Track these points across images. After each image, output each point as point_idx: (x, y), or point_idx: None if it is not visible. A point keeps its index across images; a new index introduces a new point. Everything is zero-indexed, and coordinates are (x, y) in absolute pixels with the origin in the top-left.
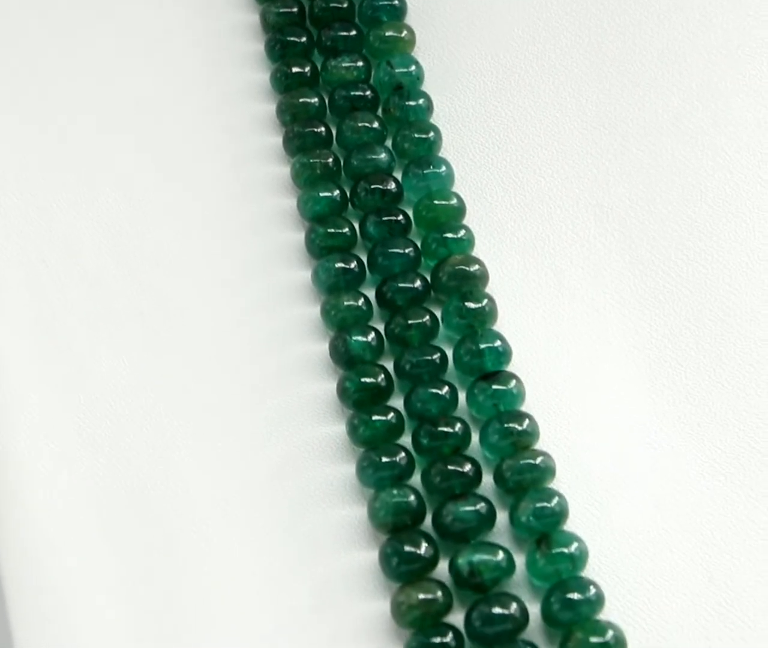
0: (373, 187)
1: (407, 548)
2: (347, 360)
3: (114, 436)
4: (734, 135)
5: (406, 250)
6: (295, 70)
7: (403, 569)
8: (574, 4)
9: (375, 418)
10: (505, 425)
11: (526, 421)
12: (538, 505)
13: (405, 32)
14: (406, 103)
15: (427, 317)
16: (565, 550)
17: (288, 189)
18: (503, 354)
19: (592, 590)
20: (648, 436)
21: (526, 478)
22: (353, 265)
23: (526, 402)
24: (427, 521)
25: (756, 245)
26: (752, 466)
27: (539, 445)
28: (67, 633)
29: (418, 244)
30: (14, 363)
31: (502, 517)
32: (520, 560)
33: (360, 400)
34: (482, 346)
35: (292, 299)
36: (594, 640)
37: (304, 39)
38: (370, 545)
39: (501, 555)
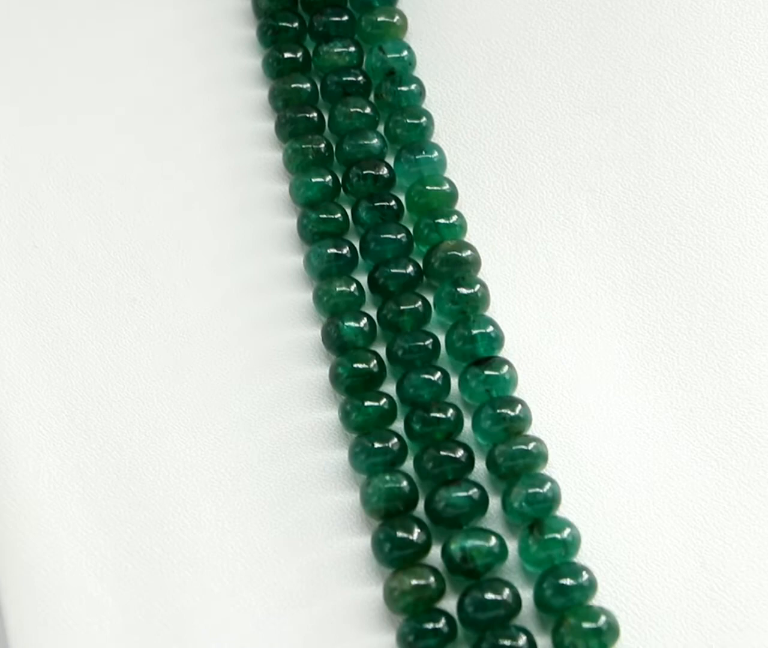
0: (365, 172)
1: (400, 534)
2: (339, 345)
3: (105, 420)
4: (727, 120)
5: (399, 236)
6: (287, 55)
7: (395, 555)
8: None
9: (367, 403)
10: (498, 411)
11: (519, 407)
12: (531, 490)
13: (397, 17)
14: (398, 88)
15: (420, 303)
16: (558, 536)
17: (280, 174)
18: (496, 339)
19: (585, 576)
20: (640, 421)
21: (518, 464)
22: (345, 250)
23: (518, 387)
24: (420, 507)
25: (748, 230)
26: (744, 451)
27: (532, 431)
28: (58, 615)
29: (411, 230)
30: (5, 347)
31: (494, 502)
32: (512, 546)
33: (352, 385)
34: (474, 331)
35: (284, 285)
36: (586, 625)
37: (296, 24)
38: (362, 531)
39: (493, 541)
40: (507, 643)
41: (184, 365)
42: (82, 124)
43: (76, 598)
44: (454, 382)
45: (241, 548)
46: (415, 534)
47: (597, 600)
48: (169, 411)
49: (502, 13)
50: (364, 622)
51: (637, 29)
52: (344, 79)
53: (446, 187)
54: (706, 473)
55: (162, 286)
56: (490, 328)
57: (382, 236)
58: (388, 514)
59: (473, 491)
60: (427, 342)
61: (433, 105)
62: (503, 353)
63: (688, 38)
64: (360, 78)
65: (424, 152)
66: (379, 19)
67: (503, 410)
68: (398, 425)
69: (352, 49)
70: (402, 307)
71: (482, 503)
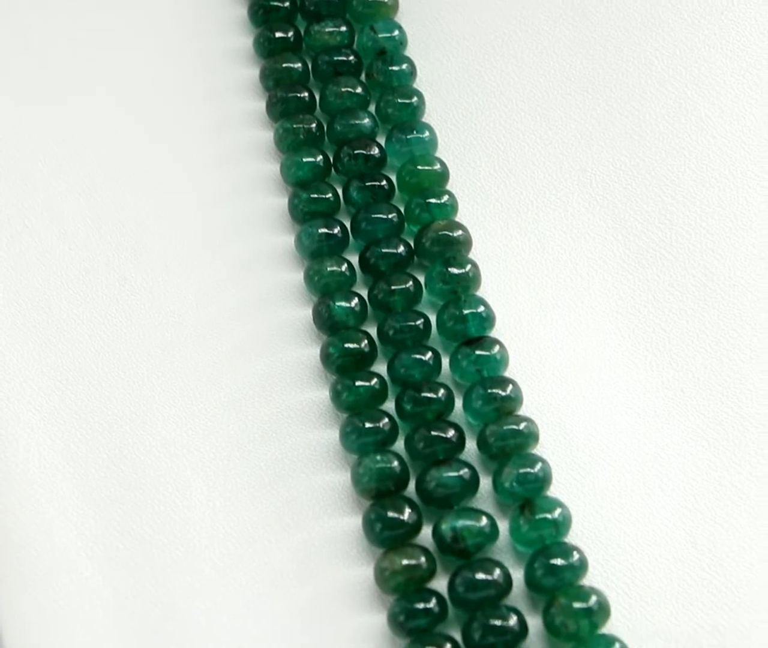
0: (356, 152)
1: (391, 514)
2: (330, 325)
3: (96, 400)
4: (718, 100)
5: (390, 216)
6: (278, 34)
7: (386, 535)
8: None
9: (358, 383)
10: (489, 391)
11: (510, 387)
12: (522, 470)
13: None
14: (390, 68)
15: (411, 283)
16: (549, 516)
17: (271, 154)
18: (486, 319)
19: (576, 556)
20: (631, 401)
21: (509, 444)
22: (336, 230)
23: (509, 367)
24: (411, 487)
25: (739, 210)
26: (735, 431)
27: (523, 411)
28: (49, 594)
29: (402, 210)
30: None
31: (485, 482)
32: (503, 526)
33: (343, 365)
34: (465, 311)
35: (275, 264)
36: (577, 605)
37: (287, 3)
38: (353, 511)
39: (484, 521)
40: (498, 623)
41: (175, 344)
42: (73, 105)
43: (67, 578)
44: (445, 362)
45: (232, 528)
46: (406, 514)
47: (588, 580)
48: (160, 390)
49: None
50: (355, 602)
51: (629, 9)
52: (335, 58)
53: (437, 166)
54: (697, 453)
55: (153, 265)
56: (481, 308)
57: (373, 216)
58: (379, 494)
59: (464, 471)
60: (418, 322)
61: (424, 85)
62: (494, 333)
63: (679, 18)
64: (351, 57)
65: (415, 132)
66: None
67: (494, 390)
68: (389, 405)
69: (344, 28)
70: (393, 287)
71: (473, 483)
